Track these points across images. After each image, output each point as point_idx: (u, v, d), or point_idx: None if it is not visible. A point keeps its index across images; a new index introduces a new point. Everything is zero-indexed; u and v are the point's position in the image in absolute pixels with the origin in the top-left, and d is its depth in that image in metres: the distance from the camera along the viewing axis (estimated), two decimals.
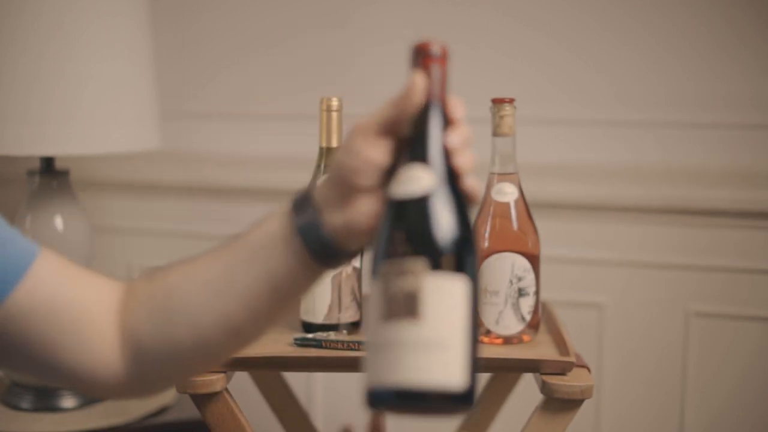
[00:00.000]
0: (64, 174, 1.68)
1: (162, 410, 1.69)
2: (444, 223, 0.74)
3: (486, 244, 1.32)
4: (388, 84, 1.98)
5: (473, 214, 0.78)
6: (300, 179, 1.68)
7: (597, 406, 1.90)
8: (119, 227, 2.12)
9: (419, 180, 0.76)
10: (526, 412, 1.29)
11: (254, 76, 2.05)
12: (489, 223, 1.32)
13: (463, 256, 0.74)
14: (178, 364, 0.87)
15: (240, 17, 2.05)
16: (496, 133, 1.34)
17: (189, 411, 1.66)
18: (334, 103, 1.37)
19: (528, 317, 1.31)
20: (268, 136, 2.04)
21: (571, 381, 1.20)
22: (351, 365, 1.24)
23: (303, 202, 0.83)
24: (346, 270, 1.34)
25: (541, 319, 1.38)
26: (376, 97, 2.06)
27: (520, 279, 1.30)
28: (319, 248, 0.81)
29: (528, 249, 1.31)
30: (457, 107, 0.82)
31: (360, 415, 2.05)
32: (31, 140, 1.51)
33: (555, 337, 1.35)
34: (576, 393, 1.19)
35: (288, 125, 2.01)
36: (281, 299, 0.84)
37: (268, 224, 0.84)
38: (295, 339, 1.30)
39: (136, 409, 1.67)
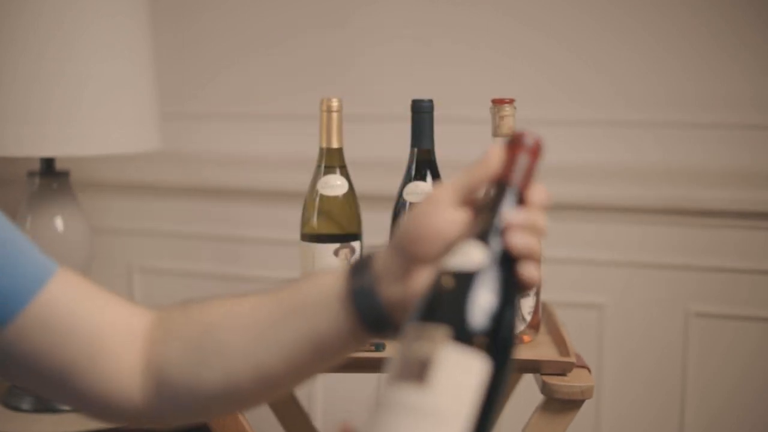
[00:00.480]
0: (64, 175, 1.68)
1: None
2: (480, 300, 0.72)
3: None
4: (388, 84, 1.98)
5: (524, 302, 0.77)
6: (300, 180, 1.68)
7: (597, 406, 1.90)
8: (119, 228, 2.12)
9: (468, 254, 0.74)
10: (527, 413, 1.29)
11: (254, 77, 2.05)
12: None
13: (491, 338, 0.71)
14: (203, 403, 0.85)
15: (240, 17, 2.05)
16: (496, 134, 1.34)
17: None
18: (334, 103, 1.37)
19: (528, 318, 1.31)
20: (268, 136, 2.04)
21: (572, 381, 1.20)
22: (351, 366, 1.24)
23: (362, 267, 0.80)
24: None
25: (541, 320, 1.38)
26: (376, 97, 2.06)
27: None
28: (372, 317, 0.79)
29: None
30: (538, 194, 0.77)
31: (359, 415, 2.04)
32: (31, 141, 1.51)
33: (555, 338, 1.35)
34: (576, 393, 1.19)
35: (288, 125, 2.01)
36: (321, 358, 0.82)
37: (322, 281, 0.81)
38: None
39: None
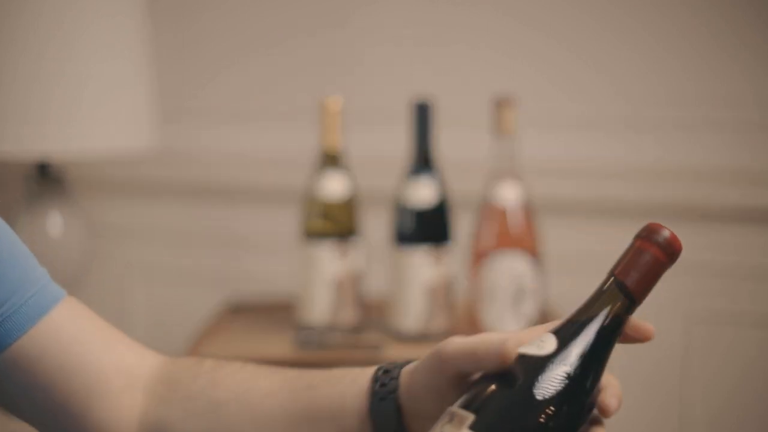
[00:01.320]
0: (62, 175, 1.68)
1: None
2: (518, 397, 0.63)
3: (487, 244, 1.32)
4: (388, 84, 1.98)
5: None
6: (300, 179, 1.68)
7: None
8: (118, 228, 2.12)
9: (543, 345, 0.65)
10: None
11: (254, 76, 2.05)
12: (489, 224, 1.32)
13: None
14: None
15: (240, 17, 2.05)
16: (496, 134, 1.34)
17: None
18: (334, 103, 1.37)
19: (528, 318, 1.31)
20: (268, 136, 2.04)
21: None
22: (351, 366, 1.24)
23: (386, 389, 0.74)
24: (347, 273, 1.34)
25: (541, 321, 1.38)
26: (376, 97, 2.06)
27: (520, 279, 1.30)
28: None
29: (529, 249, 1.31)
30: (642, 331, 0.71)
31: None
32: (31, 140, 1.51)
33: None
34: None
35: (288, 125, 2.01)
36: None
37: (344, 390, 0.76)
38: (296, 341, 1.30)
39: None
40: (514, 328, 1.30)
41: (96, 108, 1.54)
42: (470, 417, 0.62)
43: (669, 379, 1.86)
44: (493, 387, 0.64)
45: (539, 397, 0.63)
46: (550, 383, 0.63)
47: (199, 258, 2.11)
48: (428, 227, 1.33)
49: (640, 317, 2.03)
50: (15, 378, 0.80)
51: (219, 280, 2.07)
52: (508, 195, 1.32)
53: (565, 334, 0.65)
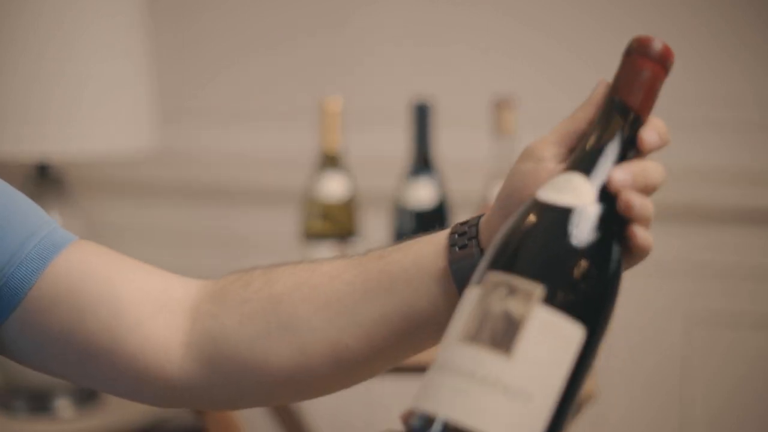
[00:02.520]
0: (62, 175, 1.68)
1: (160, 416, 1.69)
2: (584, 254, 0.59)
3: None
4: (388, 84, 1.98)
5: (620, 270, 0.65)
6: (300, 180, 1.68)
7: (597, 411, 1.89)
8: (118, 228, 2.12)
9: (575, 191, 0.61)
10: None
11: (254, 77, 2.05)
12: None
13: (588, 303, 0.59)
14: (267, 385, 0.74)
15: (240, 17, 2.05)
16: (496, 134, 1.34)
17: (187, 417, 1.66)
18: (334, 103, 1.37)
19: None
20: (267, 136, 2.03)
21: None
22: None
23: (464, 237, 0.69)
24: None
25: None
26: (376, 97, 2.06)
27: None
28: None
29: None
30: (653, 131, 0.67)
31: (357, 416, 2.04)
32: (31, 140, 1.51)
33: None
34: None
35: (288, 126, 2.01)
36: (410, 341, 0.71)
37: (419, 252, 0.71)
38: None
39: (133, 415, 1.67)
40: None
41: (96, 108, 1.54)
42: (537, 288, 0.57)
43: (669, 380, 1.86)
44: (548, 248, 0.59)
45: (608, 251, 0.60)
46: (603, 230, 0.60)
47: (199, 258, 2.10)
48: (428, 227, 1.32)
49: (641, 317, 2.03)
50: (35, 331, 0.75)
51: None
52: None
53: (589, 170, 0.62)
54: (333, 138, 1.37)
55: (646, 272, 1.95)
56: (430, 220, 1.33)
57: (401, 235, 1.33)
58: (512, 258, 0.59)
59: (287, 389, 0.75)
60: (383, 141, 1.86)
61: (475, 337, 0.57)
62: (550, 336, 0.58)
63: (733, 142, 1.79)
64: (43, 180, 1.65)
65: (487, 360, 0.57)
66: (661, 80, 0.67)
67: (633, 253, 0.64)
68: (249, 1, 2.04)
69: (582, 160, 0.63)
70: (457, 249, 0.68)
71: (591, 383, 1.20)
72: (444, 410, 0.56)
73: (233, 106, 2.07)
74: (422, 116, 1.35)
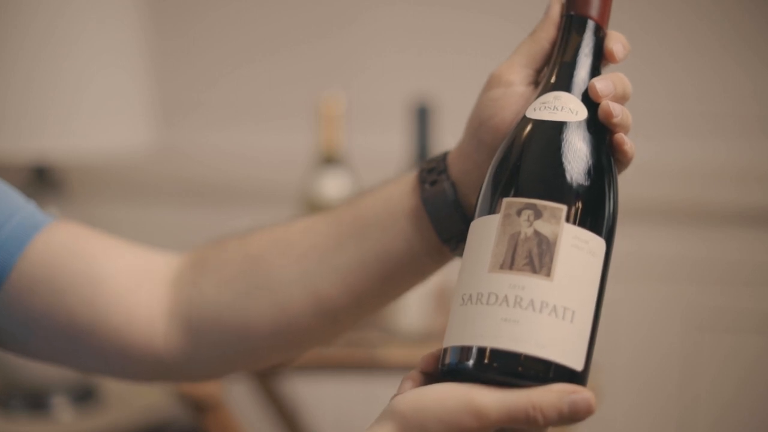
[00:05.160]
0: (61, 175, 1.68)
1: (158, 418, 1.69)
2: (596, 170, 0.60)
3: None
4: (388, 85, 1.98)
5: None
6: (301, 180, 1.68)
7: (598, 411, 1.89)
8: (117, 228, 2.11)
9: (571, 109, 0.62)
10: None
11: (255, 77, 2.05)
12: None
13: (605, 216, 0.60)
14: (251, 346, 0.73)
15: (241, 19, 2.05)
16: None
17: (186, 419, 1.65)
18: (335, 104, 1.37)
19: None
20: (268, 137, 2.03)
21: None
22: (352, 367, 1.24)
23: (436, 175, 0.68)
24: None
25: None
26: (376, 97, 2.06)
27: None
28: (454, 229, 0.67)
29: None
30: (616, 40, 0.66)
31: (358, 417, 2.04)
32: (30, 140, 1.50)
33: None
34: None
35: (289, 126, 2.00)
36: (389, 283, 0.71)
37: (388, 193, 0.70)
38: None
39: (131, 416, 1.66)
40: None
41: (95, 108, 1.54)
42: (563, 207, 0.58)
43: (669, 380, 1.86)
44: (563, 167, 0.59)
45: (609, 162, 0.63)
46: (601, 142, 0.63)
47: None
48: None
49: (641, 317, 2.02)
50: (19, 312, 0.74)
51: None
52: None
53: (569, 87, 0.63)
54: (333, 138, 1.36)
55: (646, 272, 1.97)
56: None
57: None
58: (529, 181, 0.59)
59: (271, 347, 0.74)
60: (383, 141, 1.85)
61: (511, 264, 0.57)
62: (582, 252, 0.58)
63: (733, 142, 1.79)
64: (42, 179, 1.65)
65: (530, 284, 0.56)
66: None
67: (621, 162, 0.65)
68: (250, 3, 2.04)
69: (560, 78, 0.63)
70: (428, 185, 0.68)
71: (591, 383, 1.20)
72: (495, 342, 0.56)
73: (233, 106, 2.07)
74: (422, 117, 1.35)
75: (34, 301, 0.74)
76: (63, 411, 1.65)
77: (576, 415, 0.57)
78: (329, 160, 1.37)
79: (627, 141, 0.65)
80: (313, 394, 2.06)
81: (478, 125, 0.67)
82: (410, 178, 0.70)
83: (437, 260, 0.70)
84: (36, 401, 1.65)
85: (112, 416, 1.65)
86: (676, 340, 1.85)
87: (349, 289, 0.70)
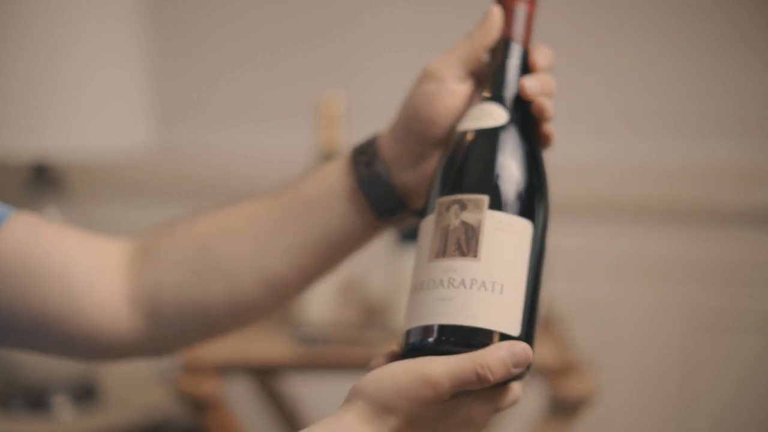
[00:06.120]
0: (61, 175, 1.68)
1: (159, 416, 1.69)
2: (514, 162, 0.70)
3: None
4: (388, 85, 1.98)
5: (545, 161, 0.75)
6: None
7: (597, 410, 1.89)
8: (117, 228, 2.11)
9: (492, 115, 0.71)
10: (527, 415, 1.29)
11: (256, 77, 2.05)
12: None
13: (528, 200, 0.69)
14: (206, 323, 0.79)
15: (242, 19, 2.05)
16: None
17: (186, 417, 1.65)
18: (335, 104, 1.37)
19: None
20: (268, 137, 2.03)
21: (575, 384, 1.19)
22: (351, 366, 1.24)
23: (368, 157, 0.76)
24: (347, 272, 1.34)
25: (542, 322, 1.38)
26: (376, 97, 2.05)
27: None
28: (388, 206, 0.76)
29: None
30: (542, 55, 0.76)
31: None
32: (30, 139, 1.50)
33: (556, 340, 1.34)
34: (579, 396, 1.19)
35: (289, 126, 2.00)
36: (333, 257, 0.78)
37: (324, 177, 0.78)
38: (296, 341, 1.30)
39: (131, 414, 1.67)
40: None
41: (95, 108, 1.54)
42: (484, 197, 0.67)
43: (669, 380, 1.86)
44: (483, 163, 0.69)
45: (532, 154, 0.72)
46: (522, 137, 0.72)
47: None
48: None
49: (641, 317, 2.02)
50: None
51: None
52: None
53: (501, 96, 0.73)
54: (333, 138, 1.36)
55: (646, 272, 1.97)
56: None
57: (402, 234, 1.33)
58: (456, 181, 0.69)
59: (226, 322, 0.80)
60: None
61: (443, 252, 0.67)
62: (507, 233, 0.67)
63: (733, 142, 1.79)
64: (42, 179, 1.65)
65: (460, 266, 0.66)
66: (533, 11, 0.77)
67: (547, 147, 0.74)
68: (251, 2, 2.04)
69: (492, 92, 0.73)
70: (363, 168, 0.76)
71: (591, 383, 1.20)
72: (436, 319, 0.65)
73: (233, 106, 2.07)
74: None
75: (5, 290, 0.76)
76: (63, 410, 1.65)
77: (518, 364, 0.62)
78: (329, 159, 1.37)
79: (552, 130, 0.74)
80: (313, 393, 2.06)
81: (409, 116, 0.75)
82: (343, 160, 0.77)
83: (373, 232, 0.78)
84: (36, 400, 1.65)
85: (113, 415, 1.65)
86: (675, 340, 1.85)
87: (296, 266, 0.77)
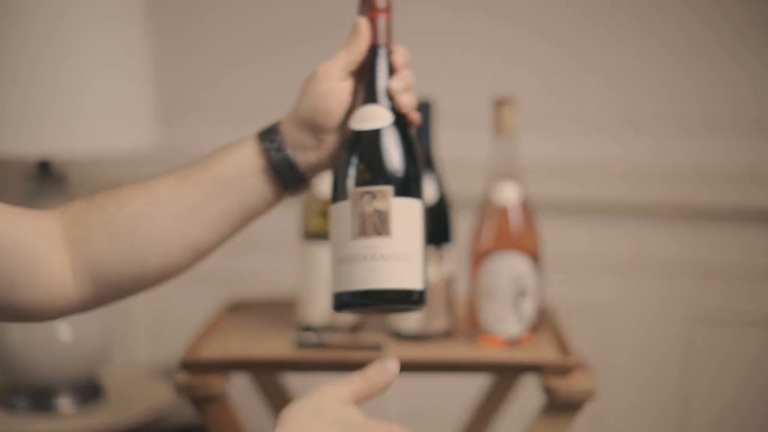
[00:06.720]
0: (63, 175, 1.68)
1: (161, 413, 1.69)
2: (404, 154, 0.92)
3: (487, 244, 1.32)
4: None
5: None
6: None
7: (597, 409, 1.90)
8: None
9: (380, 117, 0.93)
10: (527, 414, 1.29)
11: (256, 77, 2.05)
12: (489, 224, 1.32)
13: (417, 183, 0.92)
14: (140, 284, 0.95)
15: (242, 18, 2.05)
16: (496, 133, 1.34)
17: (188, 414, 1.66)
18: None
19: (528, 318, 1.31)
20: None
21: (573, 383, 1.20)
22: (351, 366, 1.24)
23: (278, 144, 0.96)
24: None
25: (541, 321, 1.38)
26: None
27: (520, 280, 1.30)
28: (294, 183, 0.96)
29: (528, 249, 1.31)
30: (400, 54, 0.97)
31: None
32: (32, 139, 1.51)
33: (556, 339, 1.34)
34: (578, 395, 1.19)
35: None
36: (245, 223, 0.97)
37: (236, 158, 0.95)
38: (296, 340, 1.30)
39: (134, 412, 1.67)
40: (514, 329, 1.31)
41: (97, 107, 1.54)
42: (389, 188, 0.90)
43: (669, 380, 1.86)
44: (384, 159, 0.91)
45: (412, 143, 0.93)
46: (403, 130, 0.94)
47: None
48: (428, 227, 1.33)
49: (640, 317, 2.03)
50: None
51: (219, 279, 2.07)
52: (508, 195, 1.32)
53: (376, 97, 0.95)
54: None
55: (646, 272, 1.97)
56: (430, 219, 1.33)
57: None
58: (364, 175, 0.90)
59: (158, 281, 0.96)
60: None
61: (363, 233, 0.89)
62: (407, 214, 0.90)
63: (732, 143, 1.80)
64: (45, 179, 1.65)
65: (378, 243, 0.89)
66: (390, 18, 0.97)
67: (415, 127, 0.96)
68: (251, 2, 2.04)
69: (367, 92, 0.95)
70: (273, 153, 0.96)
71: (591, 382, 1.20)
72: (366, 285, 0.89)
73: (233, 106, 2.07)
74: (422, 115, 1.35)
75: None
76: (67, 409, 1.66)
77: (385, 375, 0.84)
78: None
79: (417, 117, 0.96)
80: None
81: (309, 111, 0.95)
82: (251, 144, 0.96)
83: (278, 201, 0.98)
84: (40, 399, 1.65)
85: (116, 414, 1.66)
86: (675, 340, 1.85)
87: (217, 234, 0.96)
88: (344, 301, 0.89)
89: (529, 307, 1.31)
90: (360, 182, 0.90)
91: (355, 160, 0.91)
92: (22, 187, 1.68)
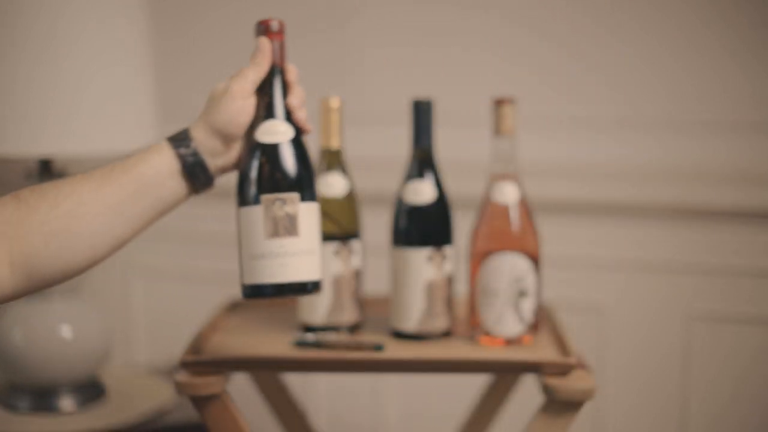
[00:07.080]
0: (63, 176, 1.68)
1: (161, 412, 1.69)
2: (305, 164, 1.09)
3: (487, 244, 1.32)
4: (388, 84, 1.98)
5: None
6: None
7: (597, 409, 1.90)
8: None
9: (284, 132, 1.10)
10: (527, 414, 1.29)
11: None
12: (489, 224, 1.32)
13: (314, 187, 1.09)
14: (68, 276, 1.06)
15: (242, 18, 2.05)
16: (496, 133, 1.34)
17: (188, 413, 1.66)
18: (334, 102, 1.37)
19: (528, 318, 1.31)
20: None
21: (573, 382, 1.20)
22: (351, 366, 1.24)
23: (192, 150, 1.09)
24: (347, 272, 1.34)
25: (541, 321, 1.38)
26: (376, 97, 2.06)
27: (520, 280, 1.30)
28: (205, 184, 1.10)
29: (528, 249, 1.31)
30: (292, 73, 1.14)
31: (359, 415, 2.04)
32: (33, 141, 1.51)
33: (556, 339, 1.34)
34: (577, 394, 1.19)
35: None
36: (158, 219, 1.10)
37: (154, 162, 1.07)
38: (296, 340, 1.30)
39: (135, 411, 1.67)
40: (514, 329, 1.31)
41: (98, 109, 1.54)
42: (295, 195, 1.08)
43: (669, 379, 1.86)
44: (290, 170, 1.08)
45: (307, 153, 1.10)
46: (302, 144, 1.11)
47: (200, 257, 2.10)
48: (428, 227, 1.33)
49: (641, 316, 2.03)
50: None
51: (219, 279, 2.07)
52: (508, 195, 1.32)
53: (277, 111, 1.11)
54: (333, 137, 1.37)
55: (646, 272, 1.97)
56: (430, 219, 1.33)
57: (402, 234, 1.33)
58: (273, 183, 1.08)
59: (83, 272, 1.07)
60: (384, 140, 1.86)
61: (276, 233, 1.07)
62: (309, 215, 1.09)
63: (732, 143, 1.80)
64: (45, 179, 1.65)
65: (289, 242, 1.07)
66: (283, 41, 1.13)
67: (306, 134, 1.13)
68: (250, 2, 2.04)
69: (269, 108, 1.11)
70: (189, 158, 1.09)
71: (591, 382, 1.21)
72: (275, 278, 1.07)
73: None
74: (422, 114, 1.35)
75: None
76: (69, 408, 1.66)
77: None
78: (328, 159, 1.37)
79: (309, 128, 1.14)
80: (313, 393, 2.07)
81: (222, 123, 1.09)
82: (167, 149, 1.09)
83: (187, 200, 1.11)
84: (42, 399, 1.65)
85: (117, 413, 1.66)
86: (675, 340, 1.85)
87: (137, 229, 1.08)
88: (259, 291, 1.07)
89: (528, 307, 1.31)
90: (270, 189, 1.07)
91: (264, 169, 1.08)
92: (24, 185, 1.68)
